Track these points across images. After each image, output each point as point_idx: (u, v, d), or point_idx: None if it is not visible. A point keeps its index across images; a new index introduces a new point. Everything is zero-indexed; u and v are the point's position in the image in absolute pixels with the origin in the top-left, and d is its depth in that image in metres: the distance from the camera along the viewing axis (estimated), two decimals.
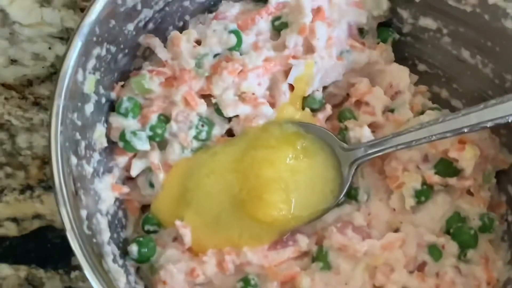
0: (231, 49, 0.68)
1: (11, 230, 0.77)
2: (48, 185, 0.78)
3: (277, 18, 0.71)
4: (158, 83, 0.67)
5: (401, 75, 0.73)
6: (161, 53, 0.67)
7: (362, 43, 0.73)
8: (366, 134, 0.68)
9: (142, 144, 0.66)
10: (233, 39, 0.67)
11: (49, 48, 0.84)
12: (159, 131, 0.66)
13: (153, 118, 0.66)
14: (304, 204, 0.65)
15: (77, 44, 0.57)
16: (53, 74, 0.82)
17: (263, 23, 0.71)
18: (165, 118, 0.68)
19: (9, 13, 0.83)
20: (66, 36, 0.83)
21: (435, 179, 0.66)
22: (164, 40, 0.71)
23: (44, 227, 0.77)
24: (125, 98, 0.66)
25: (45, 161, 0.80)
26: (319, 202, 0.66)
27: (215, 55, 0.68)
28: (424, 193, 0.67)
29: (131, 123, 0.66)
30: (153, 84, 0.67)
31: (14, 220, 0.77)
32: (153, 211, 0.68)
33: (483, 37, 0.69)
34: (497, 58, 0.69)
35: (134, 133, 0.65)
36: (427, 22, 0.74)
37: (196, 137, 0.67)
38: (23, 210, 0.78)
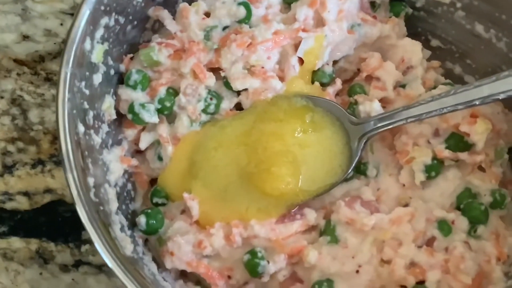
0: (240, 21, 0.68)
1: (22, 203, 0.78)
2: (59, 160, 0.78)
3: None
4: (166, 55, 0.67)
5: (413, 49, 0.72)
6: (170, 25, 0.67)
7: (373, 17, 0.72)
8: (376, 108, 0.68)
9: (150, 116, 0.66)
10: (242, 11, 0.67)
11: (61, 24, 0.84)
12: (167, 104, 0.66)
13: (162, 91, 0.66)
14: (312, 178, 0.65)
15: (85, 12, 0.57)
16: None
17: None
18: (174, 91, 0.68)
19: None
20: None
21: (445, 153, 0.65)
22: (173, 13, 0.71)
23: (55, 201, 0.78)
24: (134, 71, 0.66)
25: (57, 136, 0.80)
26: (328, 177, 0.66)
27: (224, 28, 0.68)
28: (435, 168, 0.66)
29: (139, 96, 0.66)
30: (162, 56, 0.66)
31: (26, 194, 0.78)
32: (161, 183, 0.68)
33: (498, 10, 0.67)
34: (511, 31, 0.67)
35: (143, 105, 0.65)
36: None
37: (204, 110, 0.67)
38: (34, 184, 0.79)
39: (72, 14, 0.84)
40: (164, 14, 0.68)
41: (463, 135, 0.65)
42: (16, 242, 0.76)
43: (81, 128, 0.58)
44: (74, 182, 0.54)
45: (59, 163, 0.79)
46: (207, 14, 0.68)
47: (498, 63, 0.70)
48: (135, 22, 0.67)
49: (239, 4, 0.67)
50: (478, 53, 0.72)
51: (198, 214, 0.65)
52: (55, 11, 0.84)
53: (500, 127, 0.66)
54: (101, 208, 0.57)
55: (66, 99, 0.55)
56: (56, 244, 0.76)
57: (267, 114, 0.66)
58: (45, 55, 0.83)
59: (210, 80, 0.67)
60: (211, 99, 0.67)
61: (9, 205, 0.78)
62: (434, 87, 0.71)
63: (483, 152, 0.65)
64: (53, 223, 0.77)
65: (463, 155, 0.65)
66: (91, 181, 0.57)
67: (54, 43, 0.83)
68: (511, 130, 0.68)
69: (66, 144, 0.54)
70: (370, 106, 0.68)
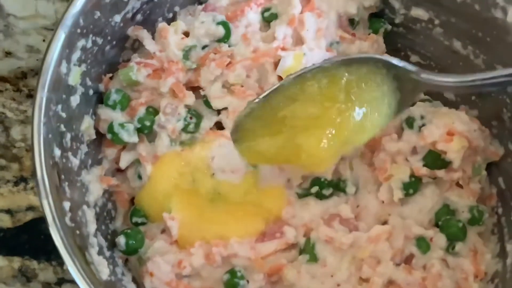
0: (219, 41, 0.68)
1: (5, 221, 0.78)
2: None
3: (267, 9, 0.71)
4: (145, 75, 0.67)
5: None
6: (149, 45, 0.67)
7: (352, 34, 0.73)
8: None
9: (130, 136, 0.66)
10: (221, 31, 0.67)
11: (43, 40, 0.84)
12: (147, 123, 0.67)
13: (141, 110, 0.66)
14: (360, 129, 0.62)
15: (60, 36, 0.57)
16: None
17: (253, 14, 0.70)
18: (154, 110, 0.68)
19: (4, 5, 0.83)
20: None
21: (423, 171, 0.66)
22: (153, 32, 0.71)
23: (38, 218, 0.78)
24: (113, 90, 0.66)
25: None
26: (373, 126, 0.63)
27: (203, 47, 0.68)
28: (412, 186, 0.66)
29: (119, 116, 0.66)
30: (141, 75, 0.67)
31: (8, 211, 0.78)
32: (138, 203, 0.68)
33: (474, 28, 0.68)
34: (488, 48, 0.68)
35: (122, 125, 0.65)
36: (419, 12, 0.73)
37: (184, 129, 0.67)
38: (17, 202, 0.78)
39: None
40: (143, 34, 0.68)
41: (440, 153, 0.66)
42: None
43: (57, 152, 0.58)
44: (49, 207, 0.54)
45: None
46: (186, 34, 0.68)
47: None
48: (114, 42, 0.67)
49: (218, 23, 0.67)
50: (456, 69, 0.72)
51: (178, 234, 0.65)
52: (37, 27, 0.84)
53: (477, 144, 0.67)
54: (77, 232, 0.58)
55: (42, 124, 0.55)
56: (38, 262, 0.76)
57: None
58: (27, 71, 0.83)
59: (190, 99, 0.67)
60: (190, 118, 0.68)
61: None
62: (413, 103, 0.72)
63: (460, 169, 0.66)
64: (36, 241, 0.77)
65: (441, 173, 0.66)
66: (66, 205, 0.57)
67: (37, 60, 0.83)
68: (488, 147, 0.69)
69: (41, 170, 0.54)
70: None
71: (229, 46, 0.68)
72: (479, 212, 0.66)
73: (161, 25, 0.68)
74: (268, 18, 0.71)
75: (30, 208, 0.78)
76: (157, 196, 0.66)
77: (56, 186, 0.56)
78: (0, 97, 0.82)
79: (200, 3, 0.73)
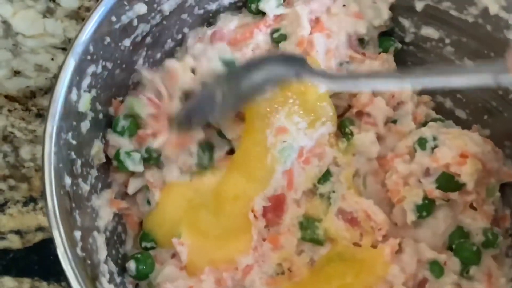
0: None
1: (14, 242, 0.78)
2: None
3: (276, 30, 0.71)
4: (149, 113, 0.66)
5: None
6: (161, 88, 0.66)
7: (362, 54, 0.72)
8: (371, 139, 0.68)
9: (135, 166, 0.65)
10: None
11: (52, 59, 0.84)
12: (154, 154, 0.66)
13: (149, 141, 0.66)
14: None
15: (70, 63, 0.57)
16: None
17: (261, 36, 0.70)
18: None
19: (12, 24, 0.84)
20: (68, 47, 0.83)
21: (436, 193, 0.65)
22: (164, 52, 0.71)
23: (47, 239, 0.78)
24: (122, 116, 0.65)
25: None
26: None
27: None
28: (426, 208, 0.65)
29: (126, 143, 0.65)
30: (145, 112, 0.65)
31: (18, 232, 0.78)
32: (146, 228, 0.68)
33: (486, 48, 0.67)
34: None
35: (128, 153, 0.65)
36: (429, 31, 0.72)
37: (197, 164, 0.67)
38: (26, 223, 0.78)
39: (63, 49, 0.84)
40: (156, 79, 0.67)
41: (454, 175, 0.65)
42: (8, 282, 0.76)
43: (68, 181, 0.58)
44: (61, 239, 0.54)
45: None
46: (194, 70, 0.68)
47: (488, 98, 0.70)
48: (124, 65, 0.67)
49: (224, 62, 0.66)
50: (468, 89, 0.72)
51: (187, 258, 0.65)
52: (46, 45, 0.84)
53: (490, 166, 0.66)
54: (88, 262, 0.57)
55: (52, 154, 0.55)
56: (48, 283, 0.76)
57: None
58: (36, 90, 0.83)
59: (199, 135, 0.67)
60: (203, 152, 0.67)
61: (0, 244, 0.77)
62: (425, 122, 0.71)
63: (474, 192, 0.65)
64: (46, 261, 0.77)
65: (454, 195, 0.65)
66: (77, 234, 0.57)
67: (45, 78, 0.83)
68: (502, 168, 0.68)
69: (52, 201, 0.54)
70: (366, 137, 0.68)
71: None
72: (493, 235, 0.65)
73: (170, 64, 0.67)
74: (278, 39, 0.70)
75: (40, 228, 0.78)
76: (165, 222, 0.66)
77: (67, 216, 0.56)
78: (9, 116, 0.82)
79: (209, 24, 0.72)
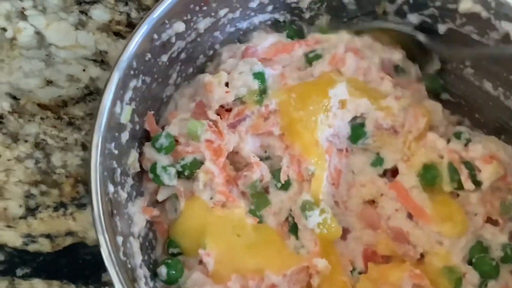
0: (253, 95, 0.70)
1: (45, 246, 0.80)
2: (80, 203, 0.81)
3: (312, 51, 0.74)
4: (207, 138, 0.68)
5: (435, 110, 0.75)
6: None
7: (394, 80, 0.74)
8: None
9: (170, 180, 0.68)
10: (256, 85, 0.69)
11: (83, 70, 0.86)
12: (188, 172, 0.68)
13: (188, 158, 0.68)
14: None
15: (115, 78, 0.60)
16: (86, 95, 0.85)
17: (296, 55, 0.73)
18: (199, 162, 0.69)
19: (46, 36, 0.86)
20: (99, 59, 0.86)
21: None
22: (195, 67, 0.74)
23: (76, 243, 0.80)
24: (164, 134, 0.68)
25: (78, 180, 0.83)
26: None
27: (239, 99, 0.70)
28: None
29: (163, 158, 0.68)
30: (204, 136, 0.68)
31: (48, 236, 0.80)
32: (172, 235, 0.70)
33: (506, 71, 0.70)
34: None
35: (164, 168, 0.67)
36: (450, 53, 0.75)
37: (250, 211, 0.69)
38: (56, 227, 0.81)
39: (94, 60, 0.86)
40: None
41: (475, 169, 0.68)
42: (38, 284, 0.78)
43: (111, 188, 0.61)
44: (106, 243, 0.56)
45: (80, 206, 0.81)
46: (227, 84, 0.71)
47: (506, 119, 0.73)
48: (160, 79, 0.70)
49: (254, 75, 0.69)
50: (486, 109, 0.75)
51: (214, 268, 0.66)
52: (77, 57, 0.87)
53: (511, 179, 0.69)
54: (129, 266, 0.60)
55: (98, 163, 0.58)
56: (77, 286, 0.78)
57: None
58: (67, 100, 0.86)
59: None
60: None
61: (32, 247, 0.80)
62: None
63: (487, 199, 0.68)
64: (74, 265, 0.79)
65: (469, 185, 0.68)
66: (119, 240, 0.60)
67: (77, 88, 0.86)
68: None
69: (98, 207, 0.57)
70: None
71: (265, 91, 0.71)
72: None
73: (207, 79, 0.70)
74: (311, 59, 0.73)
75: (69, 233, 0.81)
76: (189, 231, 0.68)
77: (110, 221, 0.58)
78: (42, 124, 0.85)
79: (242, 41, 0.76)
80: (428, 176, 0.69)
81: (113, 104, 0.60)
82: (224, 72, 0.70)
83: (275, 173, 0.70)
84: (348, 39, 0.73)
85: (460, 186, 0.69)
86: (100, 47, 0.87)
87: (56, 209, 0.81)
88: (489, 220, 0.70)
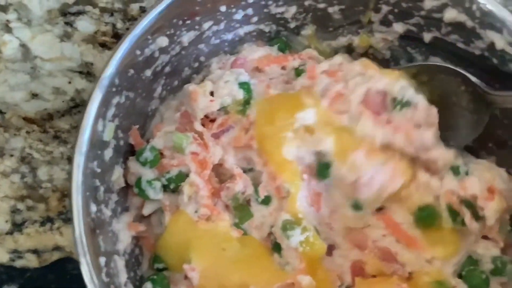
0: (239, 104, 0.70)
1: (31, 261, 0.79)
2: (67, 217, 0.81)
3: (302, 64, 0.74)
4: (192, 151, 0.68)
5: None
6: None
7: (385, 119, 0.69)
8: None
9: (156, 194, 0.67)
10: (240, 95, 0.69)
11: (69, 82, 0.86)
12: (173, 185, 0.68)
13: (174, 171, 0.68)
14: None
15: (97, 96, 0.60)
16: (72, 108, 0.85)
17: (288, 67, 0.73)
18: (185, 175, 0.68)
19: (31, 48, 0.85)
20: (85, 70, 0.85)
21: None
22: (181, 80, 0.73)
23: (64, 258, 0.80)
24: (148, 147, 0.67)
25: (65, 194, 0.82)
26: None
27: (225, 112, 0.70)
28: None
29: (148, 172, 0.68)
30: (189, 148, 0.68)
31: (35, 251, 0.80)
32: (157, 251, 0.69)
33: (492, 79, 0.70)
34: None
35: (149, 182, 0.67)
36: (436, 60, 0.75)
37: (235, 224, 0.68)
38: (43, 242, 0.80)
39: (80, 72, 0.86)
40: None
41: (478, 208, 0.67)
42: None
43: (93, 208, 0.60)
44: (87, 266, 0.56)
45: (67, 220, 0.81)
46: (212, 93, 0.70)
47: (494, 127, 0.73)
48: (144, 94, 0.69)
49: (240, 85, 0.69)
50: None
51: (199, 283, 0.65)
52: (63, 69, 0.86)
53: (511, 205, 0.68)
54: (112, 286, 0.59)
55: (80, 183, 0.57)
56: None
57: None
58: (53, 113, 0.85)
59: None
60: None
61: (18, 263, 0.79)
62: None
63: (492, 227, 0.67)
64: (62, 280, 0.79)
65: (473, 225, 0.67)
66: (102, 260, 0.59)
67: (62, 101, 0.85)
68: None
69: (79, 229, 0.57)
70: None
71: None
72: (503, 263, 0.67)
73: (192, 87, 0.69)
74: (298, 72, 0.73)
75: (56, 248, 0.80)
76: (174, 245, 0.67)
77: (92, 242, 0.58)
78: (27, 138, 0.84)
79: (231, 53, 0.75)
80: (425, 217, 0.66)
81: (95, 122, 0.60)
82: (209, 82, 0.70)
83: (257, 187, 0.69)
84: (339, 60, 0.71)
85: (463, 224, 0.67)
86: (85, 59, 0.86)
87: (42, 223, 0.81)
88: (484, 237, 0.70)
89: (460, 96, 0.65)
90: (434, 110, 0.67)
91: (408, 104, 0.67)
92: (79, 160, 0.58)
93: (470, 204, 0.67)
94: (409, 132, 0.65)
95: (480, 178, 0.67)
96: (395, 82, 0.67)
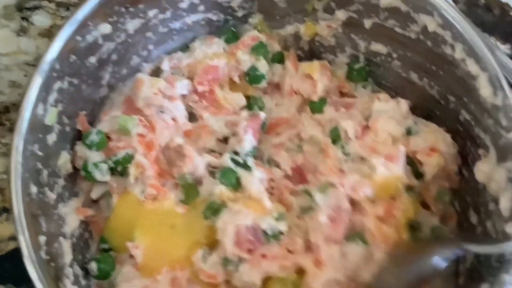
0: None
1: None
2: None
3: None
4: (139, 132, 0.69)
5: None
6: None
7: None
8: None
9: (102, 175, 0.69)
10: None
11: (25, 75, 0.87)
12: (121, 167, 0.69)
13: (121, 154, 0.69)
14: None
15: (37, 81, 0.61)
16: None
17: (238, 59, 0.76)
18: (131, 157, 0.69)
19: None
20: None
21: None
22: (130, 68, 0.75)
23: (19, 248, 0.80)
24: (94, 131, 0.69)
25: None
26: None
27: None
28: None
29: (94, 155, 0.69)
30: (135, 130, 0.69)
31: None
32: (104, 232, 0.70)
33: (428, 62, 0.72)
34: (441, 80, 0.72)
35: (96, 164, 0.68)
36: (378, 47, 0.77)
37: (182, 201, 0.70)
38: (0, 232, 0.81)
39: (35, 66, 0.86)
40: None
41: (417, 163, 0.70)
42: None
43: (33, 189, 0.61)
44: (25, 242, 0.57)
45: None
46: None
47: (432, 108, 0.75)
48: (90, 81, 0.70)
49: None
50: (414, 98, 0.76)
51: (143, 261, 0.67)
52: (19, 63, 0.87)
53: (451, 168, 0.71)
54: (52, 264, 0.61)
55: (18, 165, 0.59)
56: None
57: None
58: (9, 105, 0.86)
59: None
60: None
61: None
62: None
63: (429, 186, 0.70)
64: (18, 269, 0.77)
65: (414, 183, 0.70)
66: (42, 239, 0.60)
67: (18, 94, 0.86)
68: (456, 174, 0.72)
69: (17, 207, 0.58)
70: None
71: None
72: (441, 232, 0.70)
73: (140, 76, 0.71)
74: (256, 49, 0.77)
75: (13, 238, 0.80)
76: (121, 226, 0.68)
77: (32, 221, 0.59)
78: None
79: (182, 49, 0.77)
80: None
81: (35, 106, 0.61)
82: (163, 81, 0.72)
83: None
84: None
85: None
86: (41, 52, 0.83)
87: None
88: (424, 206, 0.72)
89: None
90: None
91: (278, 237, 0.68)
92: (17, 141, 0.59)
93: (411, 160, 0.70)
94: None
95: (425, 139, 0.71)
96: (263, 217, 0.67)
